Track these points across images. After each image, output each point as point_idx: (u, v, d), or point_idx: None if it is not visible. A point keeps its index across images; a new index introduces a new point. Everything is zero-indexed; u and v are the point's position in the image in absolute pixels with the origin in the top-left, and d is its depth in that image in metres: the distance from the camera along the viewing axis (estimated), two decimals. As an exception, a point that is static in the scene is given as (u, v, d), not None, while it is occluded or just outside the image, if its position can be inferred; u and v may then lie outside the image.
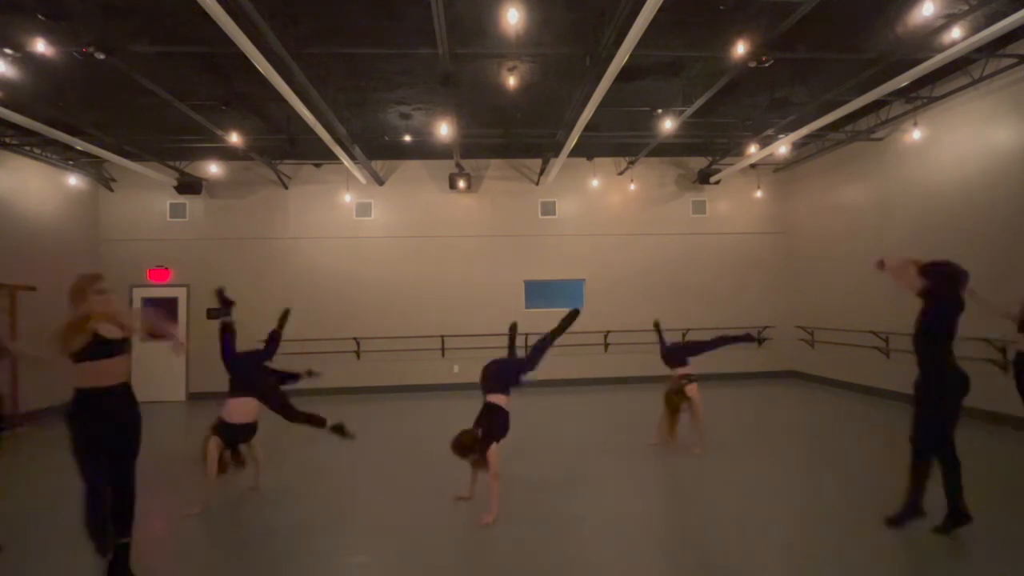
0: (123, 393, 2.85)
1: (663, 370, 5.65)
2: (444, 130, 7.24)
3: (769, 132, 7.97)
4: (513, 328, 4.87)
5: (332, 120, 6.66)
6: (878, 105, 7.46)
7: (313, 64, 5.71)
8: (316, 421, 4.18)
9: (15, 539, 3.61)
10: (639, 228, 10.23)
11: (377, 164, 9.65)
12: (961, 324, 3.27)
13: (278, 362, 4.88)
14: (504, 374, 4.17)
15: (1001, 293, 6.21)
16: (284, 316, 5.01)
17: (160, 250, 9.50)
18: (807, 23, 5.03)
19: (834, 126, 8.15)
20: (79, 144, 7.27)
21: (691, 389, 5.25)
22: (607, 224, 10.19)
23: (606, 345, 9.93)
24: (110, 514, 2.79)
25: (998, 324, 5.65)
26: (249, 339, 9.17)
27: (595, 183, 10.00)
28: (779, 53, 5.49)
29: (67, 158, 8.43)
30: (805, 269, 9.89)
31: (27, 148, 7.80)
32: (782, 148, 8.09)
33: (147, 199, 9.53)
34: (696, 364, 5.53)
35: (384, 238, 9.87)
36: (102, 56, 5.10)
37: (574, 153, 8.85)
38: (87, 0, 4.68)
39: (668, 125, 7.29)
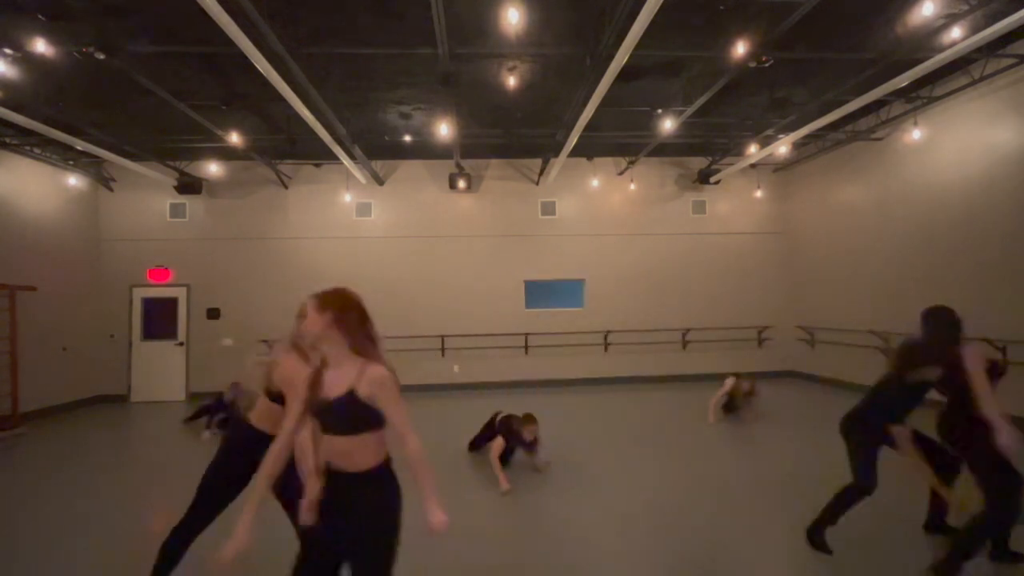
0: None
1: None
2: (444, 130, 7.24)
3: (769, 132, 7.96)
4: None
5: (332, 120, 6.66)
6: (878, 105, 7.46)
7: (313, 64, 5.71)
8: None
9: (9, 540, 3.61)
10: (639, 228, 10.22)
11: (377, 164, 9.65)
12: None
13: None
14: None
15: (1001, 292, 6.24)
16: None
17: (160, 250, 9.50)
18: (807, 23, 5.03)
19: (834, 126, 8.15)
20: (79, 144, 7.27)
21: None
22: (607, 224, 10.19)
23: (606, 345, 9.93)
24: None
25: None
26: (249, 339, 9.24)
27: (595, 183, 10.00)
28: (779, 53, 5.49)
29: (67, 158, 8.42)
30: (805, 269, 9.89)
31: (27, 148, 7.80)
32: (782, 148, 8.09)
33: (147, 199, 9.52)
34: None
35: (384, 238, 9.86)
36: (102, 56, 5.10)
37: (574, 153, 8.85)
38: (87, 0, 4.68)
39: (668, 125, 7.29)
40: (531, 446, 4.76)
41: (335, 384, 1.83)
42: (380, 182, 9.81)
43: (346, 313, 1.87)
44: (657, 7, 4.15)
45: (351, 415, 1.80)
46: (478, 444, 5.33)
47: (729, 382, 6.58)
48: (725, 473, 4.78)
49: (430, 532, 1.79)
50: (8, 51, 5.27)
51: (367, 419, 1.81)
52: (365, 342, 1.89)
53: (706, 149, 9.75)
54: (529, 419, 4.75)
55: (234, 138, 7.29)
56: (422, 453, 1.81)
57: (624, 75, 5.95)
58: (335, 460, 1.83)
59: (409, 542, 3.47)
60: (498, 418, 5.00)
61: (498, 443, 4.56)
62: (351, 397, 1.79)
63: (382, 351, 1.95)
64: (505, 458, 4.80)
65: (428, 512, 1.80)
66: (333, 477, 1.84)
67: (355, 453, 1.81)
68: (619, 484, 4.53)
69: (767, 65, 5.53)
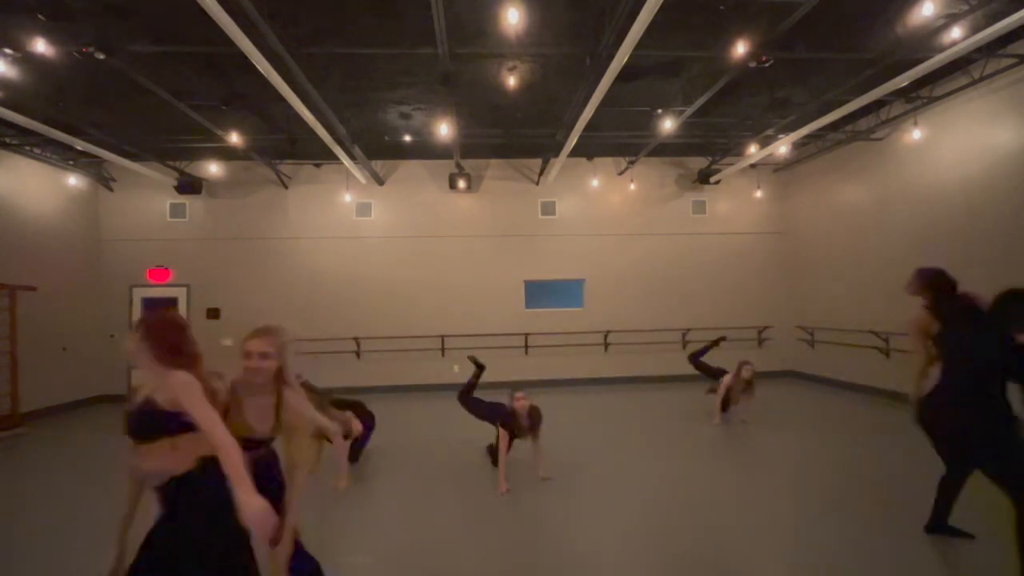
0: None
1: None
2: (444, 130, 7.24)
3: (769, 132, 7.97)
4: None
5: (332, 120, 6.66)
6: (878, 105, 7.46)
7: (313, 64, 5.71)
8: None
9: (10, 540, 3.61)
10: (639, 228, 10.23)
11: (377, 164, 9.65)
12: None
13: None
14: None
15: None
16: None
17: (160, 250, 9.50)
18: (807, 23, 5.03)
19: (834, 126, 8.15)
20: (79, 144, 7.27)
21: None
22: (607, 224, 10.19)
23: (606, 345, 9.93)
24: None
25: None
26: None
27: (595, 183, 10.00)
28: (779, 53, 5.49)
29: (67, 158, 8.42)
30: (805, 269, 9.89)
31: (27, 148, 7.80)
32: (782, 148, 8.09)
33: (147, 199, 9.53)
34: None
35: (384, 238, 9.87)
36: (102, 56, 5.10)
37: (574, 153, 8.84)
38: (87, 0, 4.68)
39: (668, 125, 7.29)
40: (532, 420, 4.62)
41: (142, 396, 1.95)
42: (380, 182, 9.81)
43: (155, 332, 1.97)
44: (657, 7, 4.15)
45: (146, 421, 1.90)
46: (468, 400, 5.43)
47: (728, 378, 6.57)
48: (725, 474, 4.78)
49: (251, 528, 1.67)
50: (8, 51, 5.26)
51: (162, 424, 1.88)
52: (175, 357, 1.95)
53: (706, 149, 9.75)
54: (516, 391, 4.69)
55: (234, 138, 7.29)
56: (229, 443, 1.77)
57: (624, 75, 5.94)
58: (148, 470, 1.91)
59: (407, 545, 3.48)
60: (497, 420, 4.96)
61: (503, 436, 4.54)
62: (147, 404, 1.90)
63: (201, 366, 2.00)
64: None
65: (240, 504, 1.68)
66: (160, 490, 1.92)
67: (162, 460, 1.89)
68: (619, 485, 4.53)
69: (767, 65, 5.54)
